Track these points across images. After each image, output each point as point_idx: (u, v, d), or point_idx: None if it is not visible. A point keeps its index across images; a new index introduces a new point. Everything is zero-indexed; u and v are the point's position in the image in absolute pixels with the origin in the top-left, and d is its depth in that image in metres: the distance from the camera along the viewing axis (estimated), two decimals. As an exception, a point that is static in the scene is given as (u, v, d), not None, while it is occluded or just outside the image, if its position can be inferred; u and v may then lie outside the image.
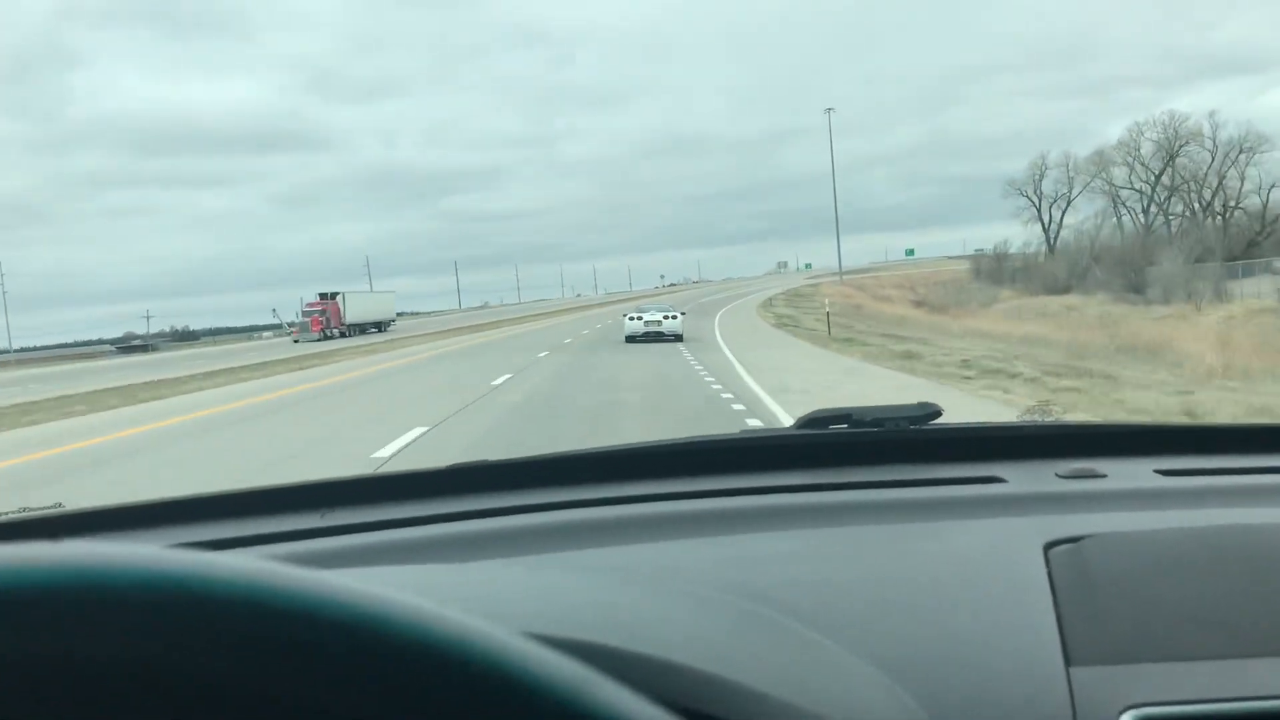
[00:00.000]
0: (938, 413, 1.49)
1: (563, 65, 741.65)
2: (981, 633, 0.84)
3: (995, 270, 79.65)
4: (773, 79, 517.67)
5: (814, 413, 1.54)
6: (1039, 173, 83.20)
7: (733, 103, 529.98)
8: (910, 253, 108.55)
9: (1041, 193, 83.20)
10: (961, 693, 0.76)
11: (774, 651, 0.76)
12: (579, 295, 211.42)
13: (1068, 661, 0.79)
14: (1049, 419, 1.95)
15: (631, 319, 28.16)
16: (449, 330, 53.39)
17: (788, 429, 1.58)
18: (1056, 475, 1.32)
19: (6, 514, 1.29)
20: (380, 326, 65.43)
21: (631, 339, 27.13)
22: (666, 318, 27.78)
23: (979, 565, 0.99)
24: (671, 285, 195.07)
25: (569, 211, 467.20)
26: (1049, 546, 0.99)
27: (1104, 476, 1.30)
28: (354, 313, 61.45)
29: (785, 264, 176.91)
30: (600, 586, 0.90)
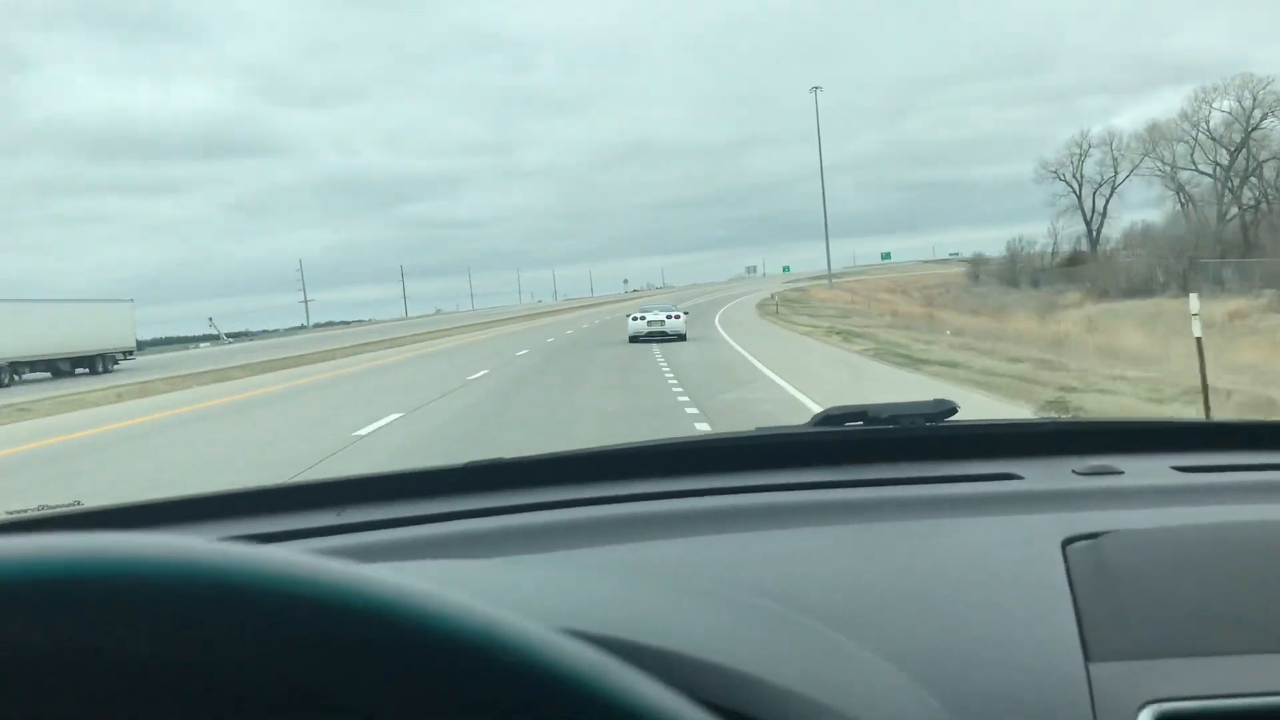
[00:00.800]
0: (953, 409, 1.48)
1: (523, 71, 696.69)
2: (1001, 630, 0.84)
3: (1008, 271, 71.65)
4: (735, 86, 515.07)
5: (830, 409, 1.55)
6: (1079, 153, 71.62)
7: (695, 109, 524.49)
8: (886, 256, 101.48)
9: (1082, 177, 71.46)
10: (982, 690, 0.76)
11: (796, 649, 0.76)
12: (539, 301, 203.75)
13: (1087, 657, 0.79)
14: (1065, 416, 2.11)
15: (635, 319, 28.51)
16: (333, 351, 38.41)
17: (804, 426, 1.56)
18: (1073, 472, 1.31)
19: (26, 511, 1.31)
20: (96, 363, 36.88)
21: (635, 339, 27.56)
22: (669, 317, 28.14)
23: (997, 562, 0.99)
24: (635, 291, 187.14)
25: (530, 219, 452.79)
26: (1067, 543, 0.98)
27: (1121, 473, 1.30)
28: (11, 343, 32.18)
29: (755, 268, 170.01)
30: (622, 583, 0.90)
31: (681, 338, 27.24)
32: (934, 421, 1.47)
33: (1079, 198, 70.43)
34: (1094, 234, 70.76)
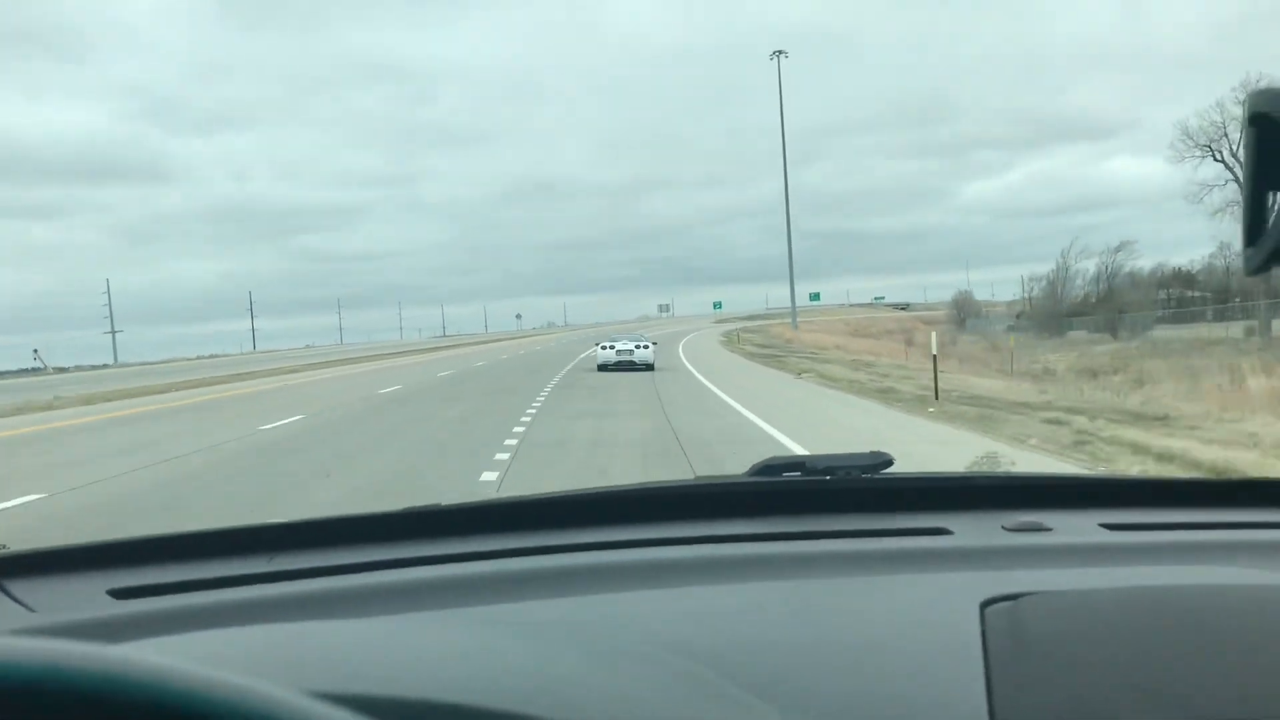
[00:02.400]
0: (889, 462, 1.49)
1: (423, 103, 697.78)
2: (913, 695, 0.84)
3: (1048, 308, 63.92)
4: (636, 128, 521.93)
5: (768, 460, 1.55)
6: (1220, 125, 45.49)
7: (597, 149, 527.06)
8: (815, 297, 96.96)
9: (1237, 155, 42.98)
10: None
11: (705, 713, 0.76)
12: (441, 336, 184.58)
13: None
14: (999, 470, 2.09)
15: (604, 348, 29.11)
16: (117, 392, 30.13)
17: (741, 476, 1.56)
18: (1003, 528, 1.32)
19: None
20: None
21: (604, 367, 27.95)
22: (639, 347, 28.54)
23: (918, 624, 0.99)
24: (536, 329, 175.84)
25: (429, 254, 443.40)
26: (986, 604, 0.98)
27: (1050, 530, 1.31)
28: None
29: (668, 306, 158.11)
30: (526, 644, 0.89)
31: (649, 367, 27.35)
32: (870, 473, 1.48)
33: (1236, 178, 43.51)
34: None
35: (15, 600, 1.13)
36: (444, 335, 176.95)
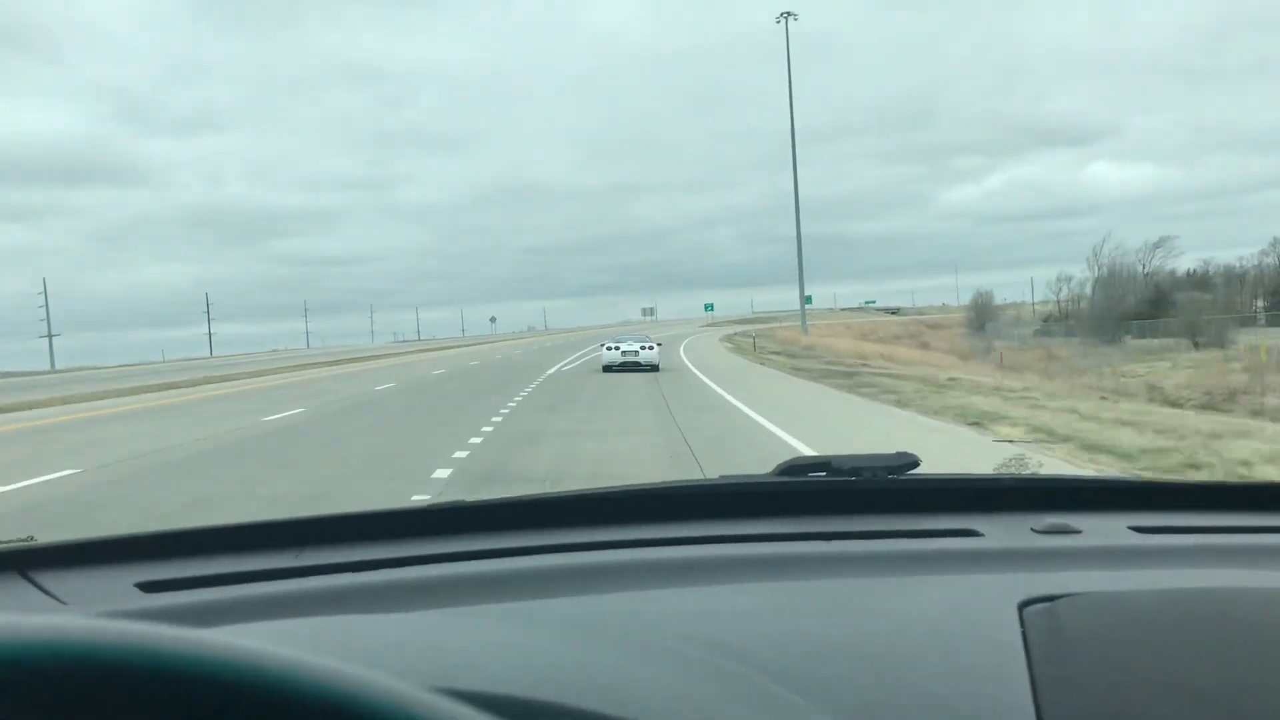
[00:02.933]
0: (915, 463, 1.48)
1: (400, 106, 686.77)
2: (956, 693, 0.83)
3: (1099, 310, 57.59)
4: (616, 132, 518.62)
5: (793, 460, 1.54)
6: None
7: (576, 153, 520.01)
8: (808, 301, 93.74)
9: None
10: None
11: (745, 711, 0.76)
12: (404, 340, 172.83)
13: None
14: (1025, 472, 1.95)
15: (609, 349, 28.94)
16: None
17: (766, 476, 1.55)
18: (1032, 530, 1.32)
19: None
20: None
21: (609, 368, 27.91)
22: (644, 348, 28.43)
23: (953, 624, 0.98)
24: (513, 334, 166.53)
25: (405, 258, 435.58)
26: (1024, 605, 0.98)
27: (1079, 533, 1.30)
28: None
29: (652, 310, 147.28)
30: (563, 640, 0.89)
31: (654, 368, 27.44)
32: (896, 474, 1.46)
33: None
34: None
35: (45, 592, 1.13)
36: (419, 339, 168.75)
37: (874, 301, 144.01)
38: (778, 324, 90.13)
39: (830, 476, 1.48)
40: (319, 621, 0.94)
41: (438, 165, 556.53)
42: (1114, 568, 1.15)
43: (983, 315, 76.77)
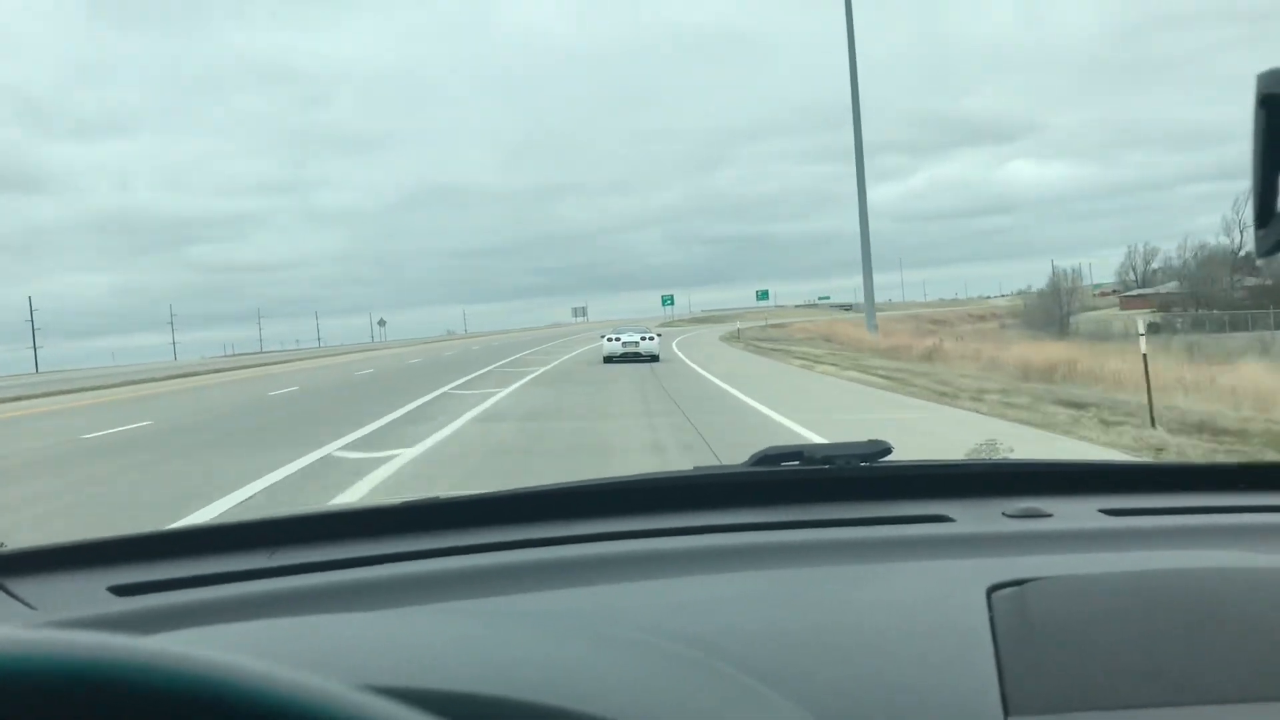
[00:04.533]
0: (887, 450, 1.49)
1: (315, 106, 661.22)
2: (923, 682, 0.84)
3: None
4: (542, 132, 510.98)
5: (766, 450, 1.54)
6: None
7: (501, 154, 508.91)
8: (764, 295, 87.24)
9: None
10: None
11: (712, 702, 0.77)
12: (318, 345, 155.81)
13: (1006, 711, 0.80)
14: (996, 457, 1.97)
15: (610, 340, 28.89)
16: None
17: (740, 466, 1.56)
18: (1003, 514, 1.33)
19: None
20: None
21: (610, 359, 27.84)
22: (644, 339, 28.46)
23: (923, 610, 0.99)
24: (421, 339, 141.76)
25: (326, 264, 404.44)
26: (992, 590, 0.99)
27: (1049, 516, 1.31)
28: None
29: (583, 310, 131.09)
30: (531, 635, 0.89)
31: (655, 359, 27.32)
32: (869, 462, 1.47)
33: None
34: None
35: (16, 598, 1.12)
36: (320, 345, 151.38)
37: (829, 297, 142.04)
38: (743, 322, 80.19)
39: (803, 465, 1.48)
40: (289, 622, 0.94)
41: (358, 168, 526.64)
42: (1084, 550, 1.16)
43: (1062, 305, 63.24)
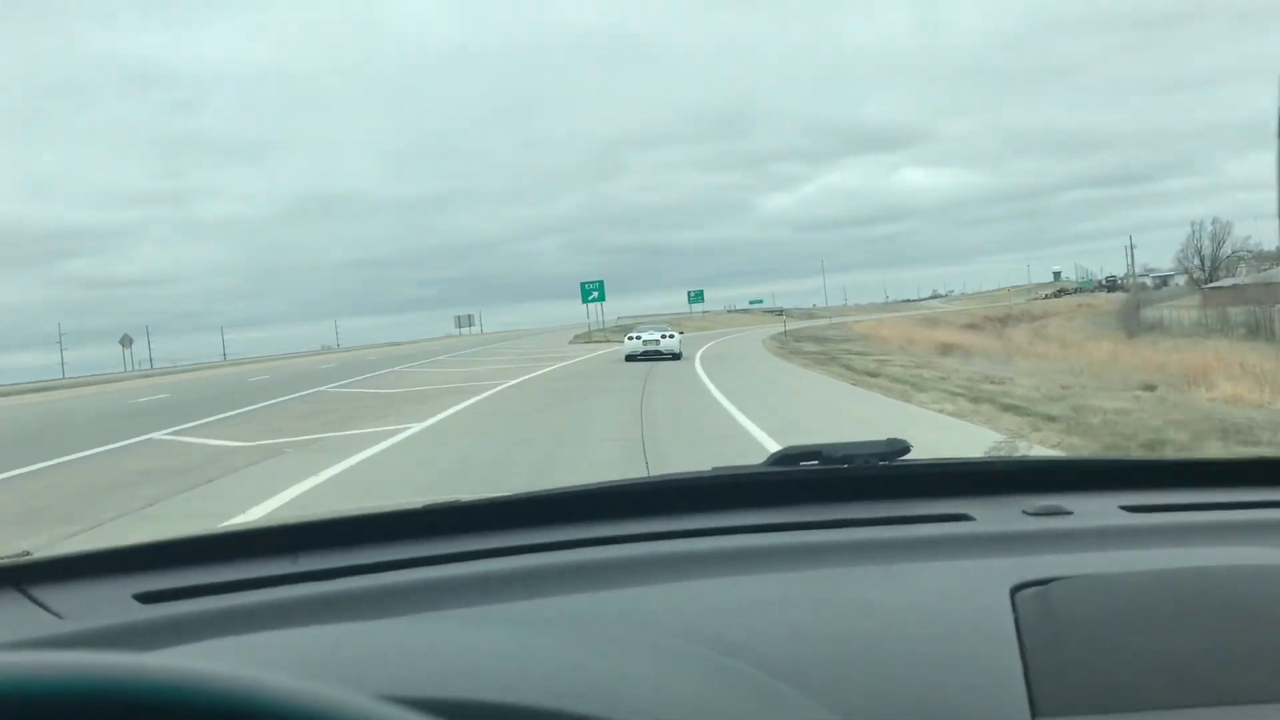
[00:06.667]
0: (906, 449, 1.49)
1: (190, 112, 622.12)
2: (948, 682, 0.84)
3: None
4: (430, 137, 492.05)
5: (785, 449, 1.54)
6: None
7: (390, 162, 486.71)
8: (698, 297, 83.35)
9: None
10: None
11: (741, 706, 0.76)
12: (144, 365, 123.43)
13: (1034, 712, 0.79)
14: (1015, 455, 2.08)
15: (631, 339, 29.20)
16: None
17: (759, 466, 1.55)
18: (1024, 513, 1.32)
19: None
20: None
21: (631, 358, 27.85)
22: (664, 337, 28.65)
23: (948, 611, 0.99)
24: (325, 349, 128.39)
25: (212, 277, 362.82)
26: (1016, 590, 0.98)
27: (1070, 514, 1.31)
28: None
29: (469, 319, 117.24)
30: (558, 642, 0.90)
31: (676, 357, 27.41)
32: (887, 461, 1.47)
33: None
34: None
35: (42, 607, 1.13)
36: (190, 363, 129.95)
37: (761, 301, 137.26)
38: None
39: (822, 465, 1.48)
40: (315, 631, 0.95)
41: (240, 176, 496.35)
42: (1106, 548, 1.16)
43: (1137, 300, 58.64)
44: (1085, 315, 73.70)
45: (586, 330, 62.99)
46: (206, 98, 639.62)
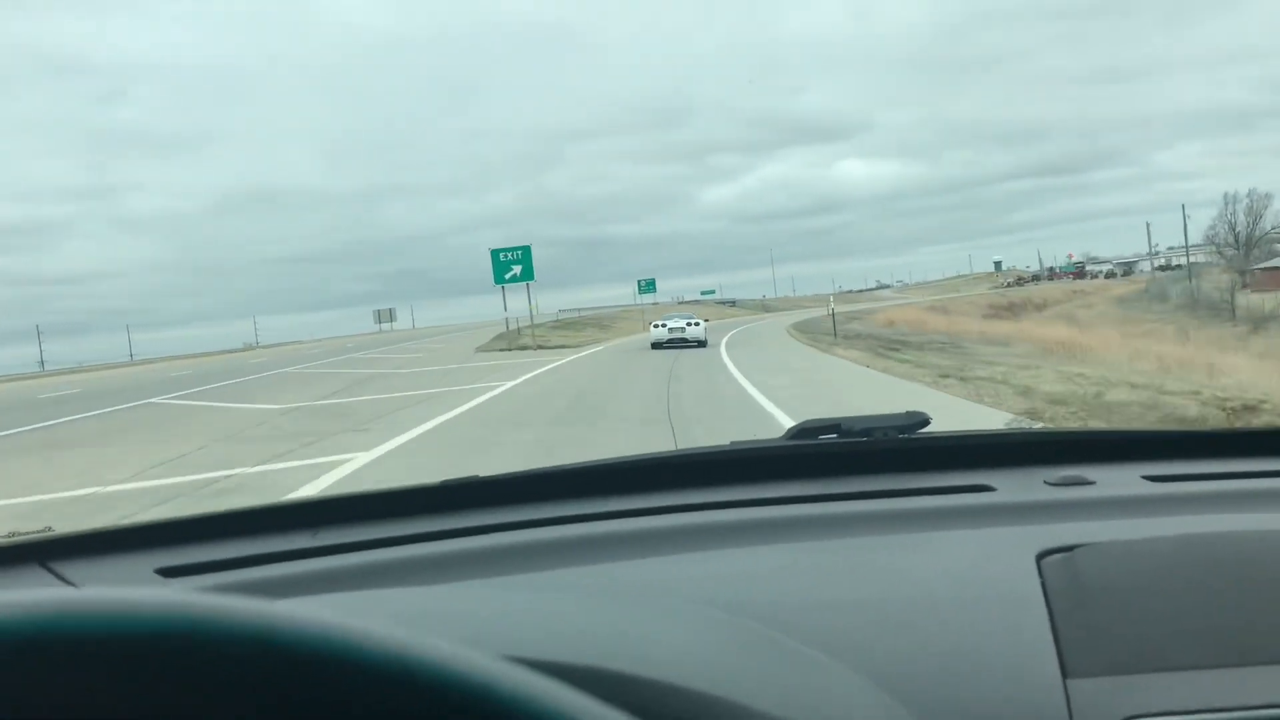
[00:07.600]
0: (926, 421, 1.49)
1: (114, 103, 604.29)
2: (978, 646, 0.84)
3: None
4: (366, 129, 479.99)
5: (804, 423, 1.53)
6: None
7: (325, 155, 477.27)
8: (650, 286, 75.66)
9: None
10: (961, 707, 0.77)
11: (775, 670, 0.76)
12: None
13: (1065, 674, 0.80)
14: (1036, 425, 2.02)
15: (656, 327, 29.87)
16: None
17: (778, 440, 1.55)
18: (1045, 483, 1.32)
19: None
20: None
21: (657, 345, 28.54)
22: (689, 325, 29.42)
23: (973, 577, 0.99)
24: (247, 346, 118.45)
25: (144, 273, 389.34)
26: (1041, 556, 0.99)
27: (1092, 484, 1.31)
28: None
29: (390, 313, 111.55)
30: (595, 606, 0.90)
31: (702, 344, 27.92)
32: (907, 433, 1.47)
33: None
34: None
35: (65, 581, 1.14)
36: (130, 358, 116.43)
37: (714, 291, 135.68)
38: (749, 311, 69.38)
39: (841, 438, 1.48)
40: (342, 597, 0.94)
41: (170, 170, 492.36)
42: (1129, 516, 1.16)
43: (1166, 282, 55.95)
44: (1107, 302, 68.64)
45: (506, 329, 42.23)
46: (129, 89, 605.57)
